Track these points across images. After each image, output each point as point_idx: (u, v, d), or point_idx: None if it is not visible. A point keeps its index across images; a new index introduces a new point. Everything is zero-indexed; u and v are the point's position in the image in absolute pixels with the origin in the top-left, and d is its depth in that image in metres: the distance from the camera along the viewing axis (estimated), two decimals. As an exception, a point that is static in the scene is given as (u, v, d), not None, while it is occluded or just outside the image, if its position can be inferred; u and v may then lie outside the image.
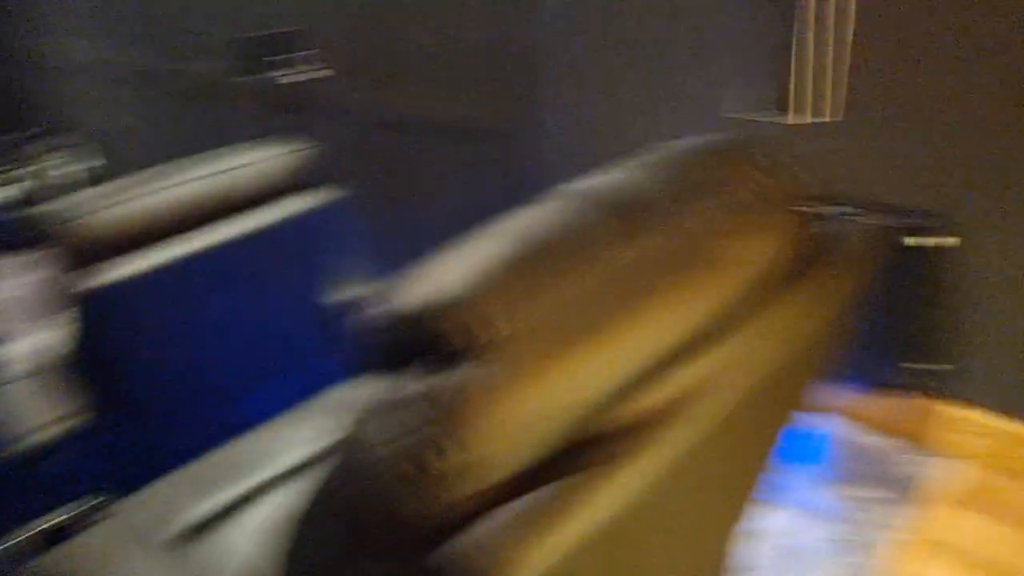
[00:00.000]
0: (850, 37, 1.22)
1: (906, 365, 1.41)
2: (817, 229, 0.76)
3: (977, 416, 1.44)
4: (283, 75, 2.00)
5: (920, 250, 1.27)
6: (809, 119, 1.29)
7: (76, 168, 2.89)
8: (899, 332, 1.35)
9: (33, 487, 1.16)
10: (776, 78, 1.28)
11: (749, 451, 0.79)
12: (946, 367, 1.39)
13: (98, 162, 2.92)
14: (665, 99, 1.43)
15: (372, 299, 0.55)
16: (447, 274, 0.54)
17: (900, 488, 1.41)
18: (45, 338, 1.18)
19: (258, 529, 1.00)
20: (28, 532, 1.08)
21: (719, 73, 1.35)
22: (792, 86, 1.28)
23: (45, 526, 1.09)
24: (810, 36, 1.23)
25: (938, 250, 1.27)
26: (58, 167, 2.87)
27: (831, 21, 1.22)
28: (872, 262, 1.20)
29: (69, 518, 1.09)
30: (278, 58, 1.99)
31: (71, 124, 3.07)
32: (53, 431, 1.15)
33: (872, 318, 1.35)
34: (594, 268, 0.56)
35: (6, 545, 1.08)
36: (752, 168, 0.70)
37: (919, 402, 1.42)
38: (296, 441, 1.13)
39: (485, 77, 1.72)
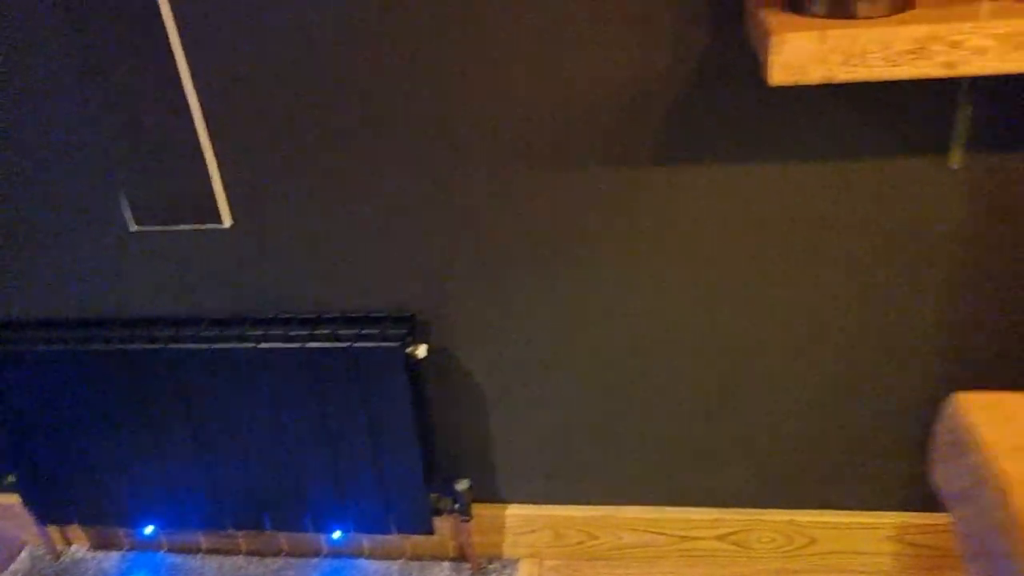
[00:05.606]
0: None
1: (434, 485, 1.26)
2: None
3: (522, 511, 1.33)
4: None
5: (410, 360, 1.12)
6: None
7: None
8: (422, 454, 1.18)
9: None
10: (188, 181, 1.08)
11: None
12: (467, 481, 1.25)
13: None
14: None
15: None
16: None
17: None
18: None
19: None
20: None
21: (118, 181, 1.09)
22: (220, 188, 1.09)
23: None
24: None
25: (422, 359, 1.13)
26: None
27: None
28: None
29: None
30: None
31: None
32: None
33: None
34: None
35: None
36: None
37: (461, 518, 1.28)
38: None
39: None
